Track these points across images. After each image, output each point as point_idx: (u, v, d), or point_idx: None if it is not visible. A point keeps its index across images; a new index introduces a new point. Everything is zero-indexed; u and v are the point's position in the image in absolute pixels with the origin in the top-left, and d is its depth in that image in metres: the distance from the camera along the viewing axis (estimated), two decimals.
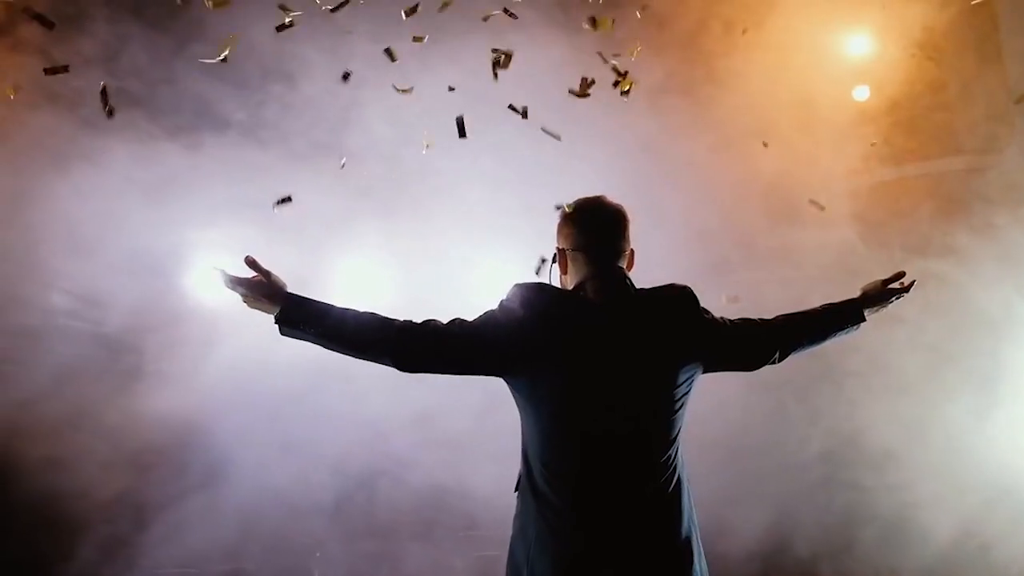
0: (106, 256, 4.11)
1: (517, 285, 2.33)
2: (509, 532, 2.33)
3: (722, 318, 2.47)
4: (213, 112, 4.47)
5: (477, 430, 4.29)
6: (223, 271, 2.14)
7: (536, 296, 2.30)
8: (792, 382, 4.56)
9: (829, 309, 2.64)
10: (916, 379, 4.44)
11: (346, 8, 3.73)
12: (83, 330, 4.42)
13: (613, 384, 2.26)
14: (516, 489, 2.36)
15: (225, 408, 4.34)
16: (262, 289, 2.15)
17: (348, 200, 4.39)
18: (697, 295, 2.44)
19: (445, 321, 2.28)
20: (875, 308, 2.70)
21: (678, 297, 2.41)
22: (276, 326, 2.18)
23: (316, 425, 4.48)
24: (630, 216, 2.48)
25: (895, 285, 2.73)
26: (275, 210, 3.14)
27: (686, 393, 2.36)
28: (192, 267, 4.47)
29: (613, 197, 2.45)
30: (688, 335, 2.35)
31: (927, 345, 4.49)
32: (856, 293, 2.72)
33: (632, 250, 2.49)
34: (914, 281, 2.75)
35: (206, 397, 4.28)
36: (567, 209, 2.50)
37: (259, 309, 2.18)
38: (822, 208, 4.29)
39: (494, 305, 2.32)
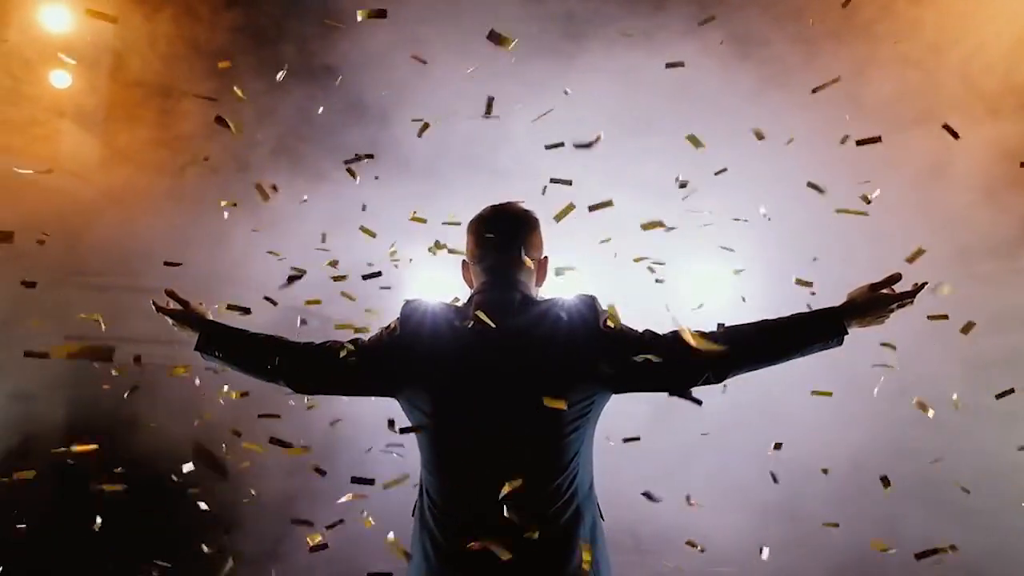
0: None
1: (406, 300, 2.27)
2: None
3: (645, 331, 2.18)
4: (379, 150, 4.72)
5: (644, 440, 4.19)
6: (153, 301, 2.39)
7: (416, 312, 2.20)
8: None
9: (798, 320, 2.17)
10: None
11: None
12: None
13: (492, 406, 2.09)
14: (412, 514, 2.26)
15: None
16: (179, 317, 2.36)
17: None
18: (601, 303, 2.20)
19: (345, 341, 2.25)
20: (865, 319, 2.15)
21: (576, 309, 2.18)
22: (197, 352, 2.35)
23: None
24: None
25: (889, 291, 2.16)
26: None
27: (583, 415, 2.14)
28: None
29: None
30: (584, 350, 2.12)
31: None
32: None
33: (545, 259, 2.35)
34: (925, 283, 2.16)
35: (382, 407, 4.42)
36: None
37: (185, 335, 2.38)
38: None
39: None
